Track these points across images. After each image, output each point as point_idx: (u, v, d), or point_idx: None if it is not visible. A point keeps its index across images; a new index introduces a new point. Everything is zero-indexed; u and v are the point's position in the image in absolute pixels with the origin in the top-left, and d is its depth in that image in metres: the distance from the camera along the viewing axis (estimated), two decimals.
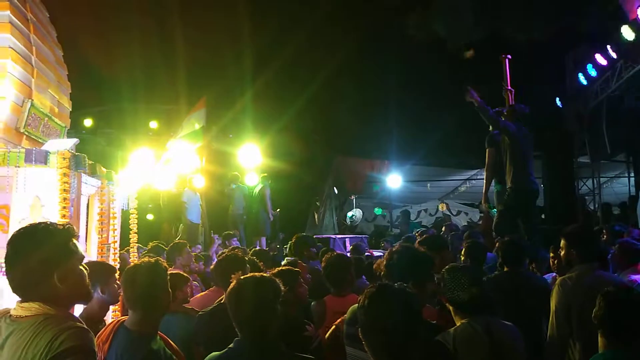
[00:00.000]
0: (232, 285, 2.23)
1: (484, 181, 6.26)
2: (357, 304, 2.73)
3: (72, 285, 1.82)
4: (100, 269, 2.95)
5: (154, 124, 11.02)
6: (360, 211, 15.42)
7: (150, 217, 12.07)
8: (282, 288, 2.28)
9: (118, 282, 2.94)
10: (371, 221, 17.79)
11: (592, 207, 11.70)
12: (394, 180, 14.76)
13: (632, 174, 11.74)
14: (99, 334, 2.44)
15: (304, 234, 5.42)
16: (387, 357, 1.73)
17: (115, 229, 4.19)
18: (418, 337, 1.80)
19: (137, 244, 5.00)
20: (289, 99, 12.40)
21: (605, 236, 5.78)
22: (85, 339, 1.71)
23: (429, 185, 16.29)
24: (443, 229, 8.24)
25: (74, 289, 1.83)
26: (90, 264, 3.09)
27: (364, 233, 13.44)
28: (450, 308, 2.66)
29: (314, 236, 10.85)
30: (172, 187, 10.39)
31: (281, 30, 11.71)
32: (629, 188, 11.97)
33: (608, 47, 8.86)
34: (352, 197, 15.27)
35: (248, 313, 2.14)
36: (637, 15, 7.54)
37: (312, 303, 3.97)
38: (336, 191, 14.97)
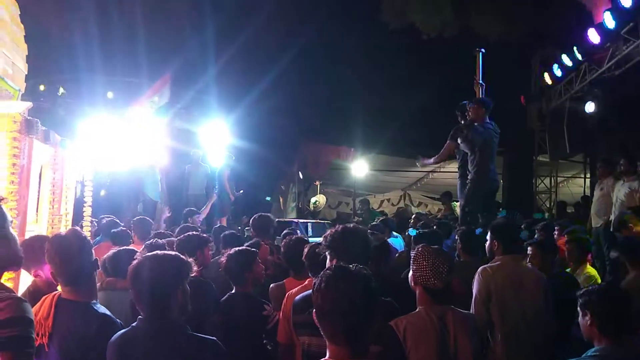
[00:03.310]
0: (132, 263, 2.16)
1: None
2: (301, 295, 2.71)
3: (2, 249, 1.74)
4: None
5: (112, 96, 10.65)
6: (324, 197, 15.44)
7: (104, 192, 11.69)
8: (195, 268, 2.24)
9: None
10: (334, 208, 17.87)
11: (547, 205, 12.08)
12: (359, 168, 14.80)
13: (589, 175, 12.15)
14: (35, 312, 2.31)
15: (266, 214, 5.27)
16: (344, 340, 1.70)
17: (68, 201, 4.01)
18: (375, 319, 1.78)
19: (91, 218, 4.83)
20: (255, 79, 12.23)
21: (556, 233, 5.99)
22: (25, 310, 1.62)
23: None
24: (412, 219, 8.37)
25: (3, 252, 1.75)
26: (38, 238, 2.93)
27: (326, 219, 13.46)
28: (417, 291, 2.61)
29: (277, 220, 10.86)
30: (133, 162, 10.10)
31: (246, 8, 11.49)
32: (584, 189, 12.41)
33: (574, 48, 9.07)
34: (317, 182, 15.26)
35: (143, 292, 2.09)
36: (603, 19, 7.73)
37: (271, 285, 3.94)
38: (301, 176, 14.94)
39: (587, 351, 2.23)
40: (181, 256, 2.20)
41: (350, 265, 1.85)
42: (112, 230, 4.68)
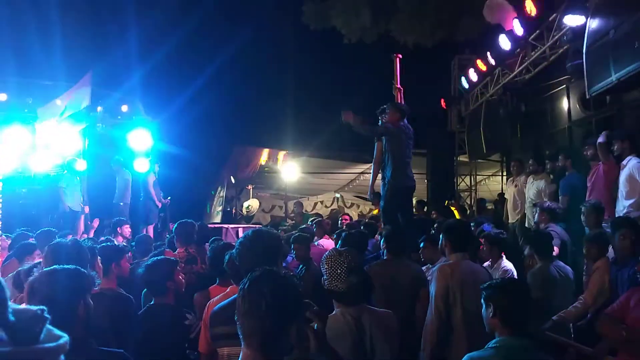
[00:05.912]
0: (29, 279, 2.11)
1: (371, 174, 6.50)
2: (218, 305, 2.70)
3: None
4: None
5: (29, 101, 9.99)
6: (257, 201, 15.34)
7: (25, 203, 10.98)
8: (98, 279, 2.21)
9: None
10: (268, 212, 17.78)
11: (469, 202, 12.71)
12: (291, 171, 14.84)
13: (505, 174, 12.90)
14: None
15: (189, 220, 5.09)
16: (258, 343, 1.71)
17: None
18: (293, 324, 1.79)
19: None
20: (184, 83, 12.00)
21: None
22: None
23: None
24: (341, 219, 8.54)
25: None
26: None
27: (260, 223, 13.39)
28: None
29: (208, 225, 10.66)
30: (50, 170, 9.56)
31: (175, 10, 11.27)
32: (502, 186, 13.17)
33: (488, 54, 9.62)
34: (249, 186, 15.14)
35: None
36: (513, 26, 8.27)
37: (196, 294, 3.88)
38: (233, 180, 14.77)
39: (489, 342, 2.37)
40: (81, 270, 2.14)
41: (280, 270, 1.85)
42: (16, 247, 4.37)
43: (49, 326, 0.52)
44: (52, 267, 2.11)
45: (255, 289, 1.73)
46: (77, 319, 2.04)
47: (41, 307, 0.54)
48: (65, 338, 0.52)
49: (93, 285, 2.14)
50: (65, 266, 2.12)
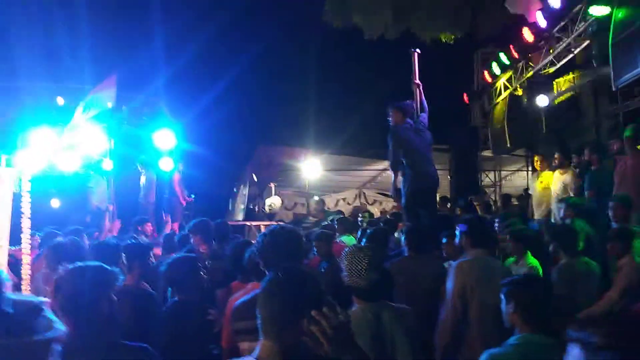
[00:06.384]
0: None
1: (392, 170, 6.47)
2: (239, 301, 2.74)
3: None
4: None
5: (59, 103, 10.26)
6: (280, 199, 15.41)
7: (55, 202, 11.30)
8: (121, 277, 2.24)
9: None
10: (290, 209, 17.85)
11: (493, 198, 12.54)
12: (313, 169, 14.86)
13: (531, 169, 12.66)
14: None
15: (203, 218, 5.12)
16: (274, 334, 1.74)
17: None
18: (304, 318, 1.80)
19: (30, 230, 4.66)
20: (208, 83, 12.14)
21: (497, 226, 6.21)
22: None
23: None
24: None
25: None
26: None
27: (283, 221, 13.45)
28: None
29: (230, 223, 10.78)
30: (78, 169, 9.78)
31: (199, 13, 11.42)
32: (527, 182, 12.93)
33: (511, 47, 9.46)
34: (272, 184, 15.24)
35: (66, 304, 2.07)
36: (536, 19, 8.11)
37: (218, 290, 3.94)
38: (256, 179, 14.88)
39: (509, 339, 2.34)
40: (105, 266, 2.19)
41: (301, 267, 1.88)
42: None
43: (51, 317, 0.54)
44: (77, 264, 2.17)
45: (276, 282, 1.77)
46: (101, 314, 2.10)
47: (40, 299, 0.56)
48: (57, 330, 0.54)
49: (117, 282, 2.19)
50: (90, 263, 2.18)
